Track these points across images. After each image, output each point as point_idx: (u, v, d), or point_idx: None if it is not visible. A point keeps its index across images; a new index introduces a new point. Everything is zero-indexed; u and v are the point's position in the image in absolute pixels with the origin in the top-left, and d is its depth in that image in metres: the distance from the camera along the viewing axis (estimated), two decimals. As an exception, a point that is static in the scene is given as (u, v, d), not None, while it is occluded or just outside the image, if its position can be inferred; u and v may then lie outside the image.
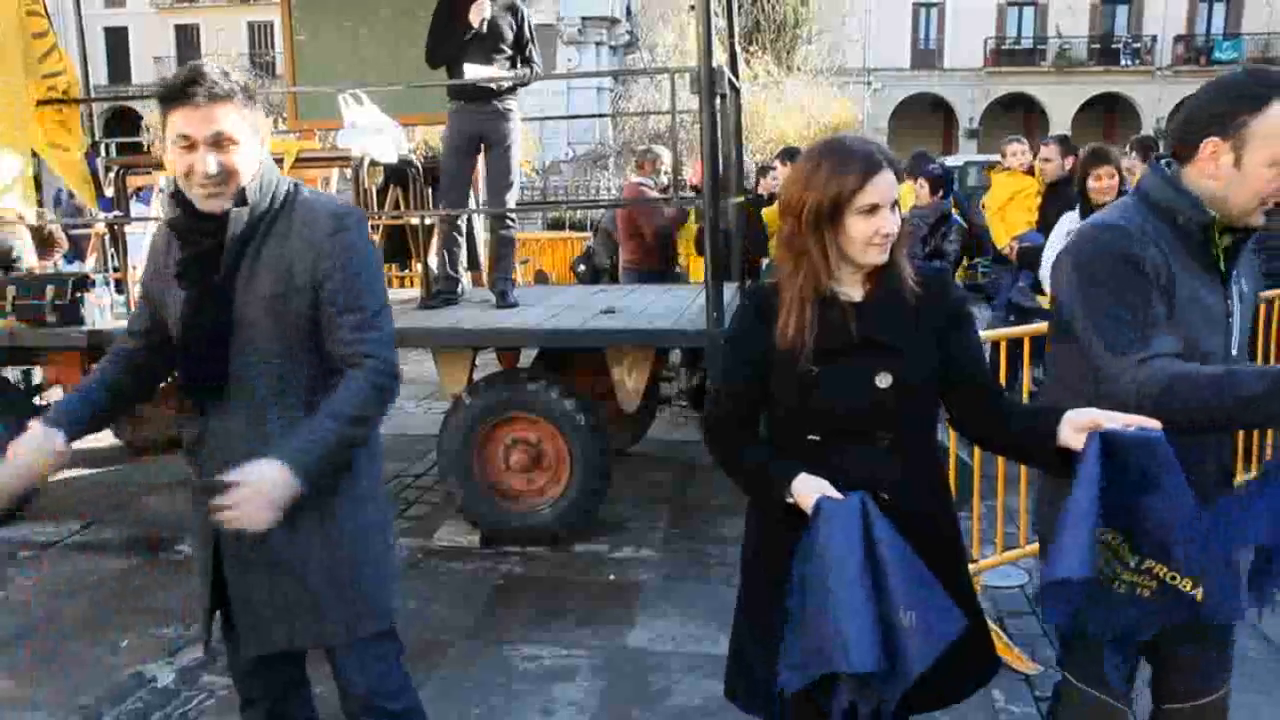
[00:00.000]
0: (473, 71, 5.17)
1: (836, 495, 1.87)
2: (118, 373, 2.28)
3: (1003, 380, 5.60)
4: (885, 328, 1.95)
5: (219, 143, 1.99)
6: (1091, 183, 4.99)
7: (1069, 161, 6.23)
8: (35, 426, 2.11)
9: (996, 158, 7.72)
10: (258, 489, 1.88)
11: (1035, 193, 6.29)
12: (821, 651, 1.82)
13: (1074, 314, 2.04)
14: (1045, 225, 6.12)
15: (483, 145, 5.45)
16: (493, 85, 5.25)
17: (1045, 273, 5.14)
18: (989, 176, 7.19)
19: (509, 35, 5.35)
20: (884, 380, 1.93)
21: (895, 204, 1.93)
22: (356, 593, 2.19)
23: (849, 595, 1.80)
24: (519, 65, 5.41)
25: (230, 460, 2.01)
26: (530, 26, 5.50)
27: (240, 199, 2.04)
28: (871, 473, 1.93)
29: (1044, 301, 5.97)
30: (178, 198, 2.09)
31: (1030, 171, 6.52)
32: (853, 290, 1.98)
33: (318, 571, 2.14)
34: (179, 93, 1.97)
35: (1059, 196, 6.06)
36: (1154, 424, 1.75)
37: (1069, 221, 5.03)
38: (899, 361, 1.94)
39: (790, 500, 1.92)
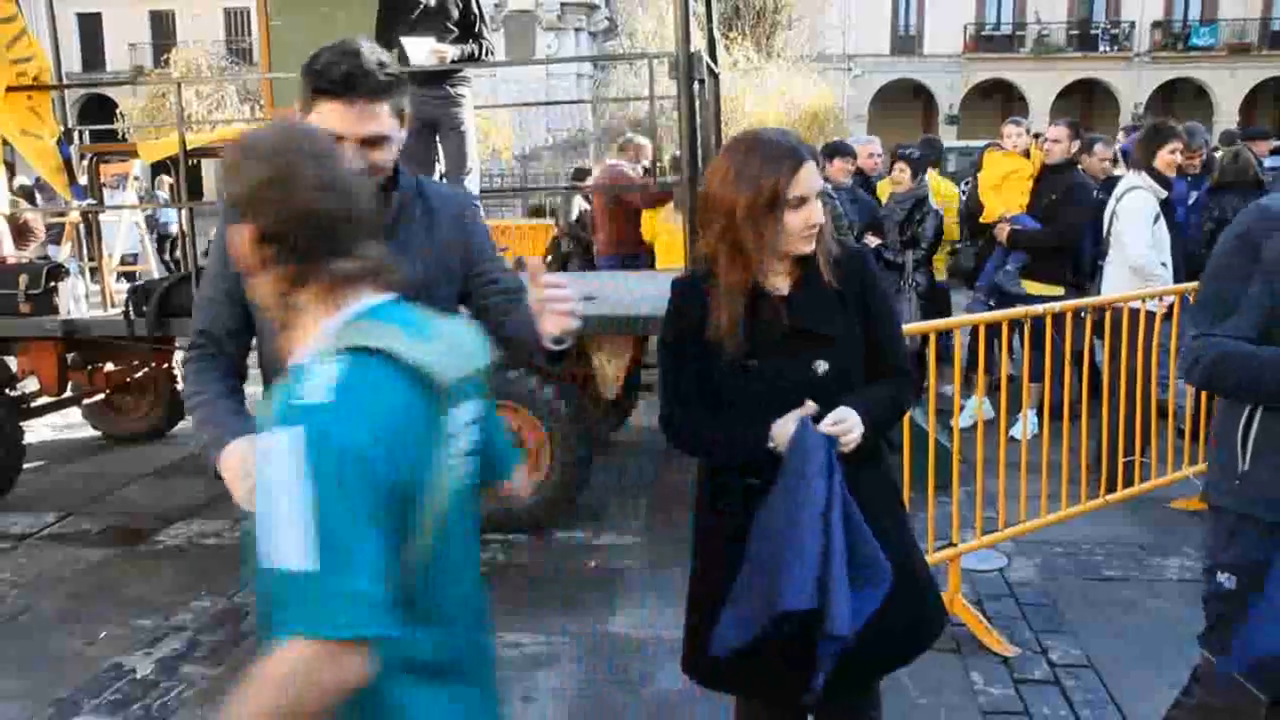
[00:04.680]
0: (413, 46, 5.09)
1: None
2: (233, 379, 2.08)
3: (981, 364, 5.67)
4: (815, 317, 2.02)
5: (373, 142, 1.89)
6: (1164, 156, 5.27)
7: (1075, 145, 6.29)
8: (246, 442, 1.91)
9: (977, 144, 7.75)
10: None
11: (1029, 175, 6.26)
12: (765, 597, 1.86)
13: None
14: (1035, 209, 6.12)
15: (436, 131, 5.37)
16: (442, 68, 5.15)
17: (1136, 251, 5.18)
18: (982, 156, 7.13)
19: (454, 14, 5.27)
20: (822, 366, 2.01)
21: (818, 194, 2.00)
22: None
23: (808, 522, 1.84)
24: (468, 44, 5.30)
25: None
26: (478, 5, 5.41)
27: (393, 183, 1.98)
28: None
29: (1030, 287, 5.96)
30: None
31: (1025, 154, 6.51)
32: (780, 282, 2.05)
33: None
34: (338, 86, 1.84)
35: (1059, 179, 6.07)
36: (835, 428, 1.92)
37: (1141, 199, 5.22)
38: (833, 348, 2.02)
39: (770, 446, 1.96)
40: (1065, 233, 5.96)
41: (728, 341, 1.98)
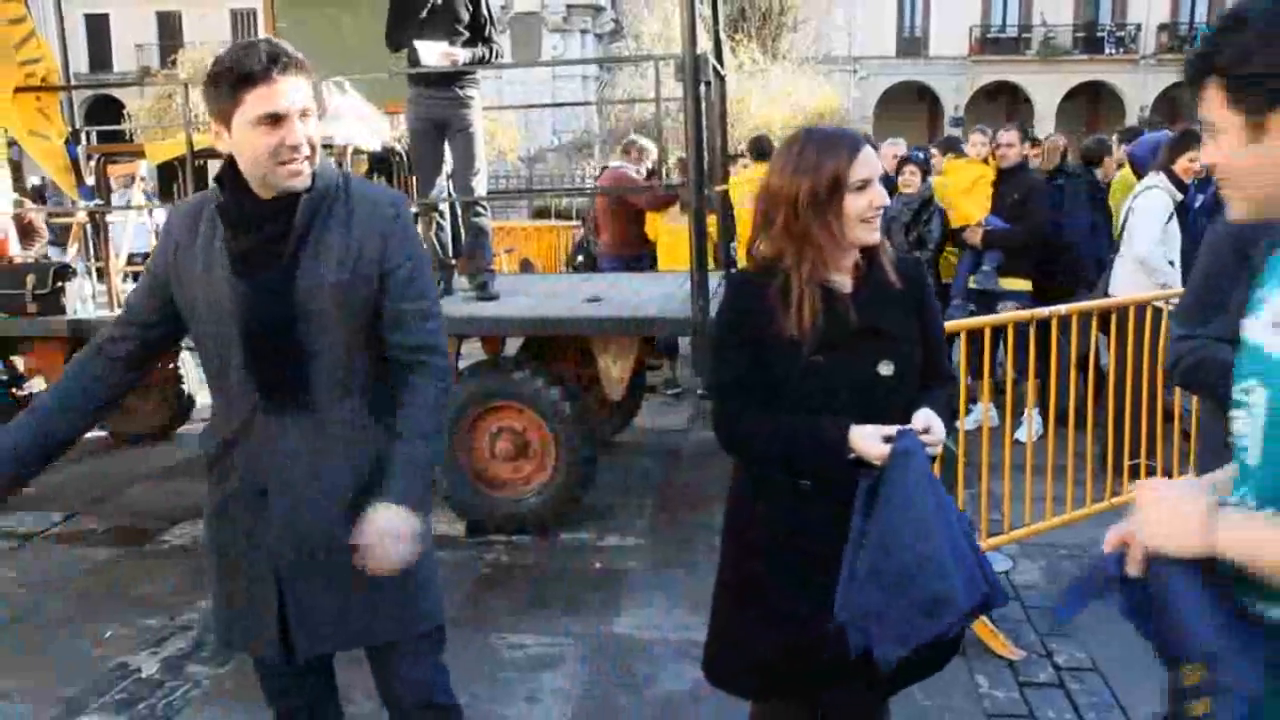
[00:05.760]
0: (425, 49, 5.10)
1: (898, 431, 1.91)
2: (89, 385, 2.11)
3: (986, 368, 5.66)
4: (883, 316, 2.01)
5: (304, 115, 1.90)
6: (1183, 163, 5.36)
7: (1026, 148, 6.56)
8: None
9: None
10: (391, 537, 1.92)
11: (991, 180, 6.40)
12: (923, 607, 1.83)
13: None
14: (999, 210, 6.28)
15: (444, 133, 5.37)
16: (452, 70, 5.16)
17: (1142, 245, 5.24)
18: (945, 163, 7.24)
19: (465, 16, 5.28)
20: (886, 368, 1.99)
21: (880, 178, 2.00)
22: (417, 588, 2.15)
23: (943, 528, 1.84)
24: (477, 47, 5.31)
25: (284, 465, 2.00)
26: (488, 7, 5.43)
27: (309, 183, 1.97)
28: None
29: (1007, 283, 6.10)
30: (227, 183, 1.98)
31: (986, 161, 6.61)
32: (843, 280, 2.03)
33: (398, 572, 2.07)
34: (263, 68, 1.85)
35: (1017, 181, 6.28)
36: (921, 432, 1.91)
37: (1157, 198, 5.33)
38: (898, 349, 2.01)
39: (852, 455, 1.92)
40: (1034, 230, 6.18)
41: (801, 339, 1.96)
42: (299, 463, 2.01)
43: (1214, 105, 1.25)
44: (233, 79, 1.87)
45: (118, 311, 5.39)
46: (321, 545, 2.04)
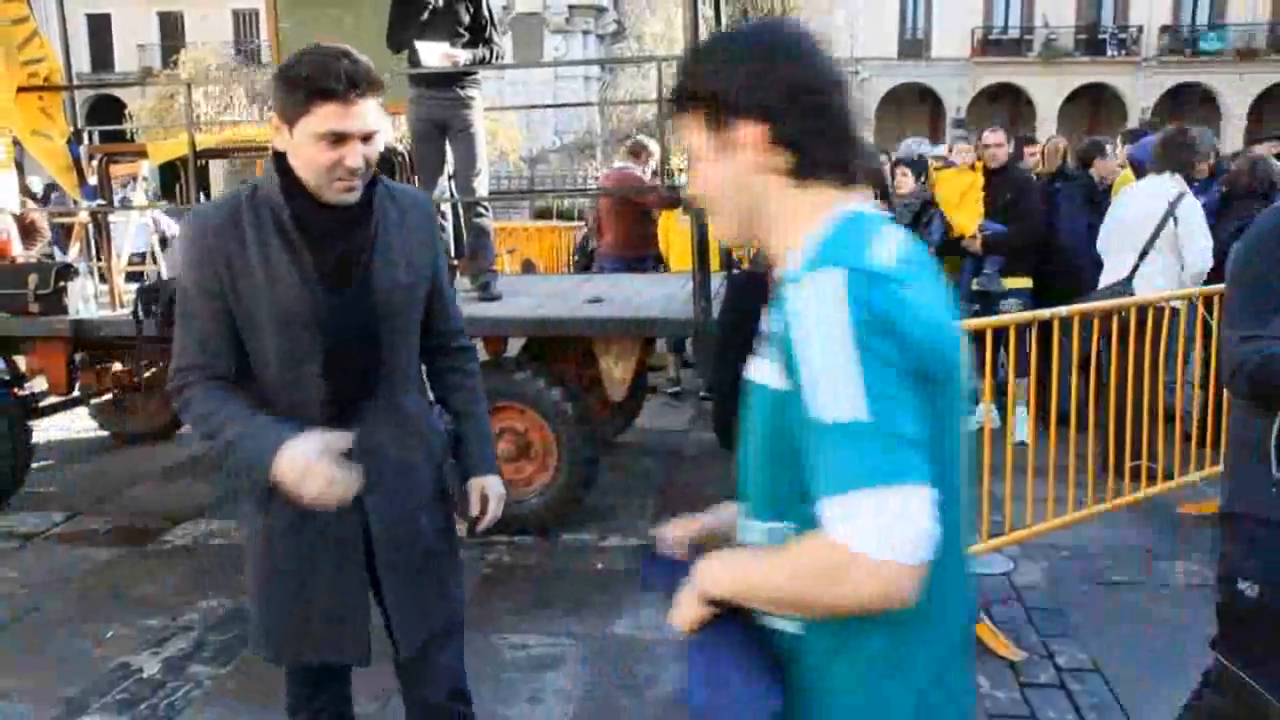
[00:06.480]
0: (426, 50, 5.10)
1: None
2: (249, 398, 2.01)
3: (987, 369, 5.67)
4: None
5: (368, 137, 1.91)
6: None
7: (1010, 147, 6.68)
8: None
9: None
10: (499, 501, 2.24)
11: (980, 185, 6.45)
12: None
13: (1228, 281, 2.18)
14: (992, 211, 6.33)
15: (446, 133, 5.37)
16: (453, 70, 5.16)
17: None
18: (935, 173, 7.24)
19: (465, 17, 5.29)
20: None
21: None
22: (460, 575, 2.30)
23: None
24: (478, 48, 5.32)
25: (372, 465, 1.97)
26: (489, 8, 5.43)
27: (371, 187, 1.99)
28: None
29: (1009, 282, 6.14)
30: (292, 190, 1.93)
31: (973, 166, 6.63)
32: None
33: (450, 556, 2.25)
34: (343, 86, 1.83)
35: (1005, 181, 6.34)
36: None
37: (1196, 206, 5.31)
38: None
39: None
40: (1030, 229, 6.24)
41: None
42: (386, 460, 2.05)
43: (692, 132, 1.29)
44: (309, 89, 1.84)
45: (120, 312, 5.43)
46: (410, 538, 2.11)
